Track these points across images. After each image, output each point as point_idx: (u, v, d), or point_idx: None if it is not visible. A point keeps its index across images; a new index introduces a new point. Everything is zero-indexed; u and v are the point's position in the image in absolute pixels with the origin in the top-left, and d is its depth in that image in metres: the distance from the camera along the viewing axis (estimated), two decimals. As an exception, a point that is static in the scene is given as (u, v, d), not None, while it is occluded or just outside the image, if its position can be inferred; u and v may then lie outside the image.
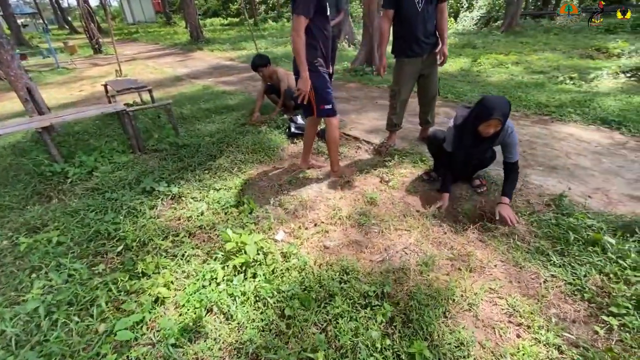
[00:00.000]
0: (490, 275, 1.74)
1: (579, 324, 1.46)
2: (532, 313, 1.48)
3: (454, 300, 1.57)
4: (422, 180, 2.69)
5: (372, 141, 3.48)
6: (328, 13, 2.31)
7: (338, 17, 4.44)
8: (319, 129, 3.22)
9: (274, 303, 1.59)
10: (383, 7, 2.71)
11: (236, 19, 24.18)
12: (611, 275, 1.66)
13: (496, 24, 13.83)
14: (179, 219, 2.34)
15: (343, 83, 6.17)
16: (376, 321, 1.44)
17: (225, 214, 2.35)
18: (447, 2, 2.72)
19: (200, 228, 2.23)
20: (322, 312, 1.51)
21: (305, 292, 1.62)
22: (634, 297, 1.49)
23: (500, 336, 1.42)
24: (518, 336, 1.41)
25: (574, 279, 1.66)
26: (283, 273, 1.77)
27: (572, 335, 1.39)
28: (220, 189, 2.67)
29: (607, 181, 2.65)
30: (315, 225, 2.20)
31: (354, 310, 1.50)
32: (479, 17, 15.75)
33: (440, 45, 2.86)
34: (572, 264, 1.75)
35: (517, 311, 1.51)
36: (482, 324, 1.48)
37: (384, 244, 2.00)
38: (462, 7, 17.53)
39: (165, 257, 1.96)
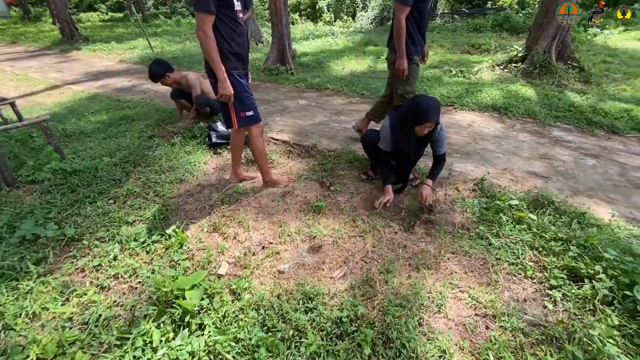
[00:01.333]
0: (446, 269, 1.78)
1: (530, 302, 1.58)
2: (492, 301, 1.55)
3: (423, 304, 1.54)
4: (361, 181, 2.66)
5: (303, 143, 3.34)
6: (238, 7, 2.06)
7: (247, 14, 4.16)
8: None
9: (235, 358, 1.32)
10: (403, 2, 2.45)
11: (119, 14, 21.16)
12: (540, 249, 1.86)
13: (389, 22, 15.10)
14: (83, 271, 1.82)
15: (258, 83, 5.87)
16: (360, 352, 1.30)
17: (148, 252, 1.92)
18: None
19: (115, 278, 1.76)
20: (295, 355, 1.31)
21: (270, 334, 1.39)
22: (564, 268, 1.68)
23: (472, 332, 1.44)
24: (487, 327, 1.46)
25: (514, 259, 1.81)
26: (237, 316, 1.50)
27: (529, 315, 1.49)
28: (134, 221, 2.19)
29: (509, 161, 3.04)
30: (263, 247, 1.96)
31: (331, 344, 1.34)
32: (373, 17, 17.04)
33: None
34: (509, 244, 1.92)
35: (479, 302, 1.56)
36: (453, 323, 1.48)
37: (342, 255, 1.88)
38: (358, 7, 18.70)
39: (71, 328, 1.48)
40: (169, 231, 2.01)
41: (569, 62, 5.44)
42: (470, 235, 2.03)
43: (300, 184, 2.63)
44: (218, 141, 3.26)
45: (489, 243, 1.94)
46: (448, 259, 1.84)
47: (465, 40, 9.79)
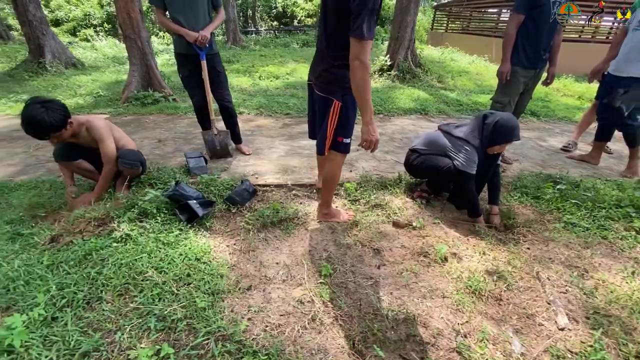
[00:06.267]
0: (601, 265, 1.83)
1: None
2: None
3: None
4: (424, 205, 2.37)
5: (302, 182, 2.66)
6: None
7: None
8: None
9: None
10: (516, 10, 2.57)
11: None
12: (616, 218, 2.19)
13: (219, 38, 14.42)
14: None
15: (135, 118, 4.29)
16: None
17: None
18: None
19: None
20: None
21: None
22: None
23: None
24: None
25: (617, 234, 2.06)
26: None
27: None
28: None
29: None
30: (465, 336, 1.40)
31: None
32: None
33: (549, 65, 2.85)
34: (596, 224, 2.16)
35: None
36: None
37: (533, 297, 1.60)
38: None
39: None
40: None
41: (421, 67, 6.81)
42: (563, 226, 2.17)
43: (376, 232, 2.07)
44: (206, 212, 2.14)
45: (585, 227, 2.13)
46: (591, 255, 1.90)
47: (307, 54, 10.53)
